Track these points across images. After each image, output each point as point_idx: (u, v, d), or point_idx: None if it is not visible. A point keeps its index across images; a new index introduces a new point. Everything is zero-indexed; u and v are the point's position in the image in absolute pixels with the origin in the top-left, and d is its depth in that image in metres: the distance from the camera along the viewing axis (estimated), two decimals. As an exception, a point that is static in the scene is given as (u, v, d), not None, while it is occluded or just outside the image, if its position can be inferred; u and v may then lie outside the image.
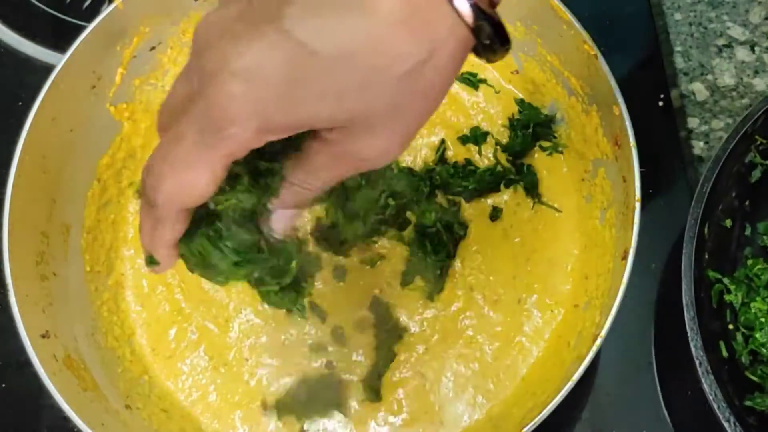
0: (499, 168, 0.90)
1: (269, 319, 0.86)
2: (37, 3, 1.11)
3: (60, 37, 1.06)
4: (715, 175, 0.78)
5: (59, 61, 0.85)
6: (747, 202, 0.86)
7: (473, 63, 0.96)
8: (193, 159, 0.45)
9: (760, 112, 0.80)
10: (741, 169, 0.84)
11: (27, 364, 0.74)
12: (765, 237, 0.87)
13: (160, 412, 0.83)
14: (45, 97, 0.83)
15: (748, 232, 0.87)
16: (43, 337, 0.78)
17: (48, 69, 0.85)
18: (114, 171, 0.92)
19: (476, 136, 0.92)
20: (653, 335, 0.89)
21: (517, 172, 0.90)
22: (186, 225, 0.50)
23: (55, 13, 1.10)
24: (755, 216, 0.87)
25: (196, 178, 0.45)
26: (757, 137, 0.83)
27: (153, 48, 0.94)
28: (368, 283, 0.86)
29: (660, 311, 0.90)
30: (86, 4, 1.11)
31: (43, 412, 0.89)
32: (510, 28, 0.91)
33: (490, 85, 0.95)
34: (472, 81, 0.95)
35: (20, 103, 1.03)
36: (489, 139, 0.92)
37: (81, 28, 0.86)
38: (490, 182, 0.88)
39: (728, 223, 0.85)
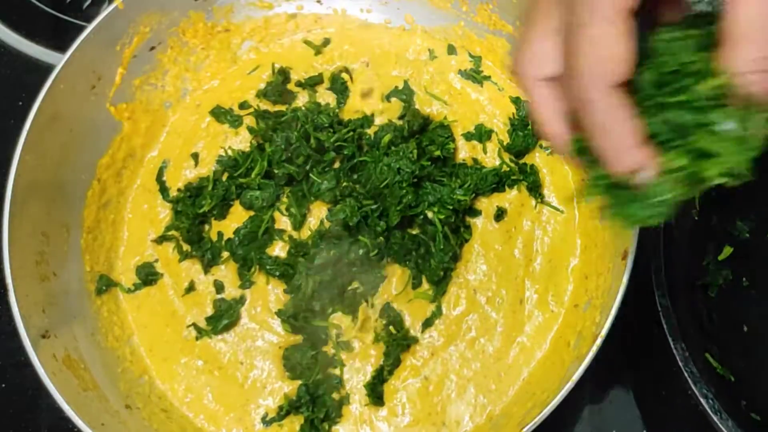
0: (504, 167, 0.90)
1: (265, 323, 0.87)
2: (37, 3, 1.11)
3: (60, 37, 1.06)
4: None
5: (59, 61, 0.85)
6: (713, 194, 0.85)
7: (476, 59, 0.96)
8: (597, 22, 0.46)
9: None
10: None
11: (27, 364, 0.74)
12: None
13: (160, 412, 0.83)
14: (45, 97, 0.83)
15: (714, 222, 0.87)
16: (43, 337, 0.78)
17: (48, 69, 0.85)
18: (114, 171, 0.92)
19: (481, 134, 0.92)
20: (648, 333, 0.90)
21: (519, 171, 0.90)
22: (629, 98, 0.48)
23: (55, 13, 1.10)
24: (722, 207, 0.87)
25: (611, 44, 0.46)
26: None
27: (153, 48, 0.94)
28: (378, 291, 0.86)
29: (648, 311, 0.91)
30: (86, 4, 1.11)
31: (43, 412, 0.89)
32: (510, 28, 0.92)
33: (494, 83, 0.95)
34: (477, 77, 0.95)
35: (20, 103, 1.03)
36: (493, 136, 0.92)
37: (81, 28, 0.86)
38: (494, 182, 0.89)
39: (695, 214, 0.85)
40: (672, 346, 0.72)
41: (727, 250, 0.86)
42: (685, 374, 0.71)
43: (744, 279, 0.86)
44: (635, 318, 0.91)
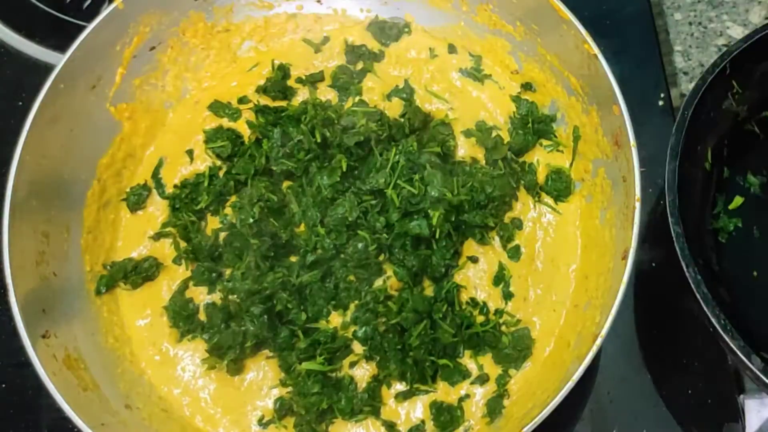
0: (503, 165, 0.90)
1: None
2: (37, 3, 1.11)
3: (60, 37, 1.06)
4: (693, 108, 0.80)
5: (59, 61, 0.85)
6: (725, 150, 0.88)
7: (476, 58, 0.96)
8: None
9: (737, 51, 0.81)
10: (718, 115, 0.85)
11: (27, 364, 0.75)
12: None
13: (160, 412, 0.83)
14: (45, 97, 0.83)
15: (726, 174, 0.89)
16: (43, 337, 0.78)
17: (48, 69, 0.85)
18: (114, 171, 0.92)
19: (481, 131, 0.92)
20: (648, 333, 0.90)
21: (519, 170, 0.90)
22: None
23: (55, 13, 1.10)
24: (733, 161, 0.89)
25: None
26: (733, 82, 0.84)
27: (153, 48, 0.94)
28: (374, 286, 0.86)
29: (649, 311, 0.91)
30: (86, 4, 1.11)
31: (43, 412, 0.89)
32: (510, 28, 0.92)
33: (495, 81, 0.95)
34: (477, 76, 0.95)
35: (20, 103, 1.03)
36: (493, 134, 0.92)
37: (81, 28, 0.86)
38: (503, 185, 0.88)
39: (708, 166, 0.86)
40: (684, 269, 0.73)
41: (738, 200, 0.87)
42: (698, 296, 0.72)
43: (755, 229, 0.86)
44: (638, 317, 0.91)
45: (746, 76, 0.84)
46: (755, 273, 0.85)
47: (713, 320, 0.71)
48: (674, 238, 0.74)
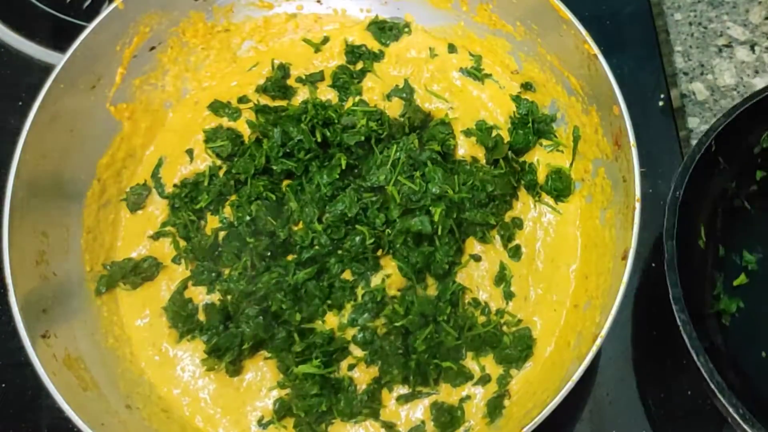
0: (504, 165, 0.90)
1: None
2: (37, 3, 1.11)
3: (60, 37, 1.07)
4: (684, 187, 0.79)
5: (59, 61, 0.85)
6: (718, 228, 0.87)
7: (476, 57, 0.96)
8: None
9: (721, 127, 0.81)
10: (708, 192, 0.85)
11: (27, 364, 0.75)
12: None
13: (160, 412, 0.83)
14: (45, 97, 0.83)
15: (722, 253, 0.88)
16: (43, 337, 0.78)
17: (48, 69, 0.85)
18: (114, 171, 0.92)
19: (481, 130, 0.92)
20: (647, 333, 0.90)
21: (520, 170, 0.90)
22: None
23: (55, 13, 1.10)
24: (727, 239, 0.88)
25: None
26: (720, 159, 0.83)
27: (153, 48, 0.94)
28: (371, 284, 0.86)
29: (648, 312, 0.91)
30: (86, 4, 1.11)
31: (43, 412, 0.89)
32: (510, 28, 0.92)
33: (495, 81, 0.95)
34: (477, 75, 0.95)
35: (20, 103, 1.03)
36: (493, 133, 0.92)
37: (81, 28, 0.86)
38: (504, 184, 0.88)
39: (702, 244, 0.85)
40: (695, 359, 0.72)
41: (742, 278, 0.86)
42: (711, 386, 0.71)
43: (758, 307, 0.86)
44: (638, 317, 0.91)
45: (732, 151, 0.84)
46: (764, 354, 0.84)
47: (730, 409, 0.70)
48: (680, 326, 0.73)
